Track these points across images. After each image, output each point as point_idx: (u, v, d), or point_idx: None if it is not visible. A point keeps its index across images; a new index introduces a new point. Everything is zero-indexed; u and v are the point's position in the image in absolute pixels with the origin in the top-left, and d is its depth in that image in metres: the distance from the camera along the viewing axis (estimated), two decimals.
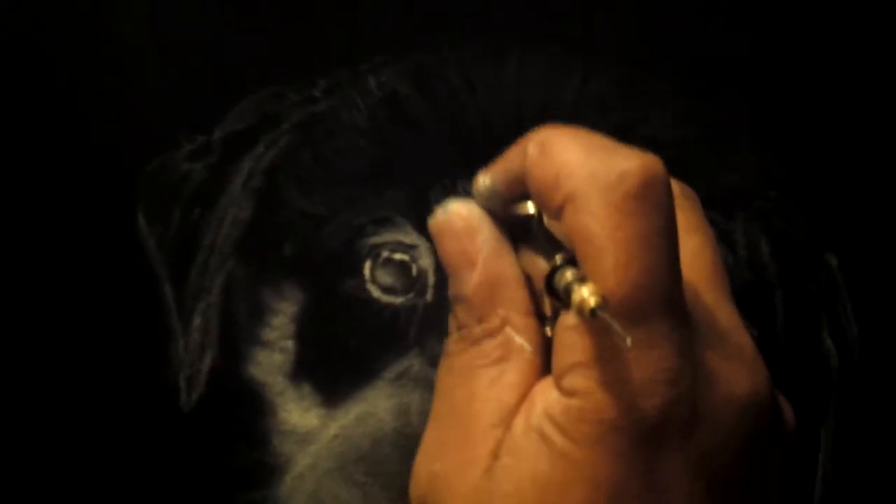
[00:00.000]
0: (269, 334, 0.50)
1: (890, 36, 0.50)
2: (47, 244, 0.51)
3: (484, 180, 0.41)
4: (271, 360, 0.50)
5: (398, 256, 0.48)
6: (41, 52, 0.50)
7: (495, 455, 0.37)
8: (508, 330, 0.39)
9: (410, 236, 0.48)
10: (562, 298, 0.37)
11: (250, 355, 0.50)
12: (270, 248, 0.50)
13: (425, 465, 0.40)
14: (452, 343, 0.41)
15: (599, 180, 0.36)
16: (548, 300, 0.39)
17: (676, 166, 0.48)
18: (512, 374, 0.39)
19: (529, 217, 0.40)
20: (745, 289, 0.48)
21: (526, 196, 0.39)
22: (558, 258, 0.37)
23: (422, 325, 0.49)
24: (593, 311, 0.34)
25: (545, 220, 0.39)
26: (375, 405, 0.48)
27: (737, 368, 0.37)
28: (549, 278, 0.37)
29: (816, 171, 0.50)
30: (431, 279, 0.49)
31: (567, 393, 0.36)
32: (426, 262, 0.49)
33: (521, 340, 0.39)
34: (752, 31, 0.50)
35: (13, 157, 0.50)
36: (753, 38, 0.50)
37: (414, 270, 0.49)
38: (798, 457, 0.48)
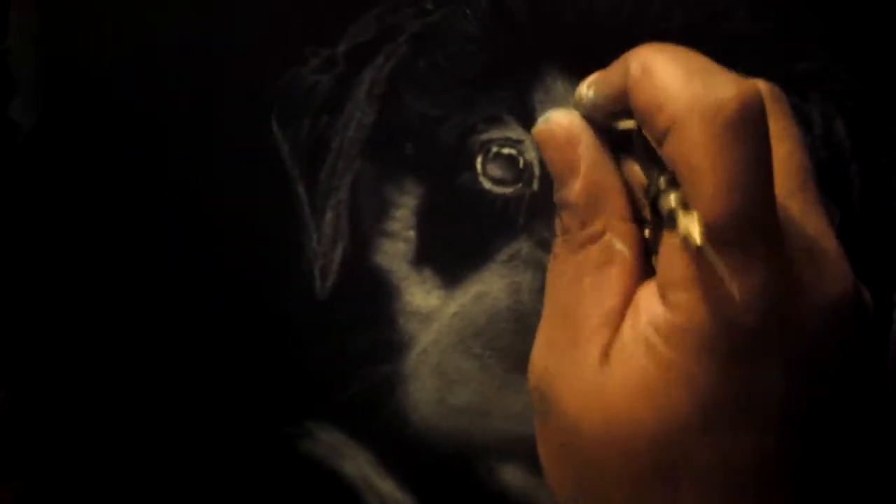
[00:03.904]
0: (393, 226, 0.53)
1: None
2: (200, 149, 0.54)
3: (587, 92, 0.41)
4: (396, 249, 0.53)
5: (506, 151, 0.51)
6: None
7: (605, 355, 0.39)
8: (609, 236, 0.41)
9: (517, 132, 0.51)
10: (665, 218, 0.38)
11: (377, 245, 0.53)
12: (392, 148, 0.52)
13: (540, 360, 0.41)
14: (558, 247, 0.42)
15: (700, 109, 0.36)
16: (647, 207, 0.40)
17: (756, 56, 0.51)
18: (614, 279, 0.40)
19: (629, 130, 0.40)
20: (822, 164, 0.50)
21: (625, 110, 0.40)
22: (662, 181, 0.38)
23: (529, 212, 0.51)
24: (699, 247, 0.36)
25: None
26: (490, 285, 0.51)
27: (825, 273, 0.39)
28: (654, 198, 0.38)
29: (884, 54, 0.51)
30: (537, 171, 0.51)
31: (671, 307, 0.38)
32: (531, 155, 0.51)
33: (622, 246, 0.40)
34: None
35: (160, 75, 0.54)
36: None
37: (521, 163, 0.51)
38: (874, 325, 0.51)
